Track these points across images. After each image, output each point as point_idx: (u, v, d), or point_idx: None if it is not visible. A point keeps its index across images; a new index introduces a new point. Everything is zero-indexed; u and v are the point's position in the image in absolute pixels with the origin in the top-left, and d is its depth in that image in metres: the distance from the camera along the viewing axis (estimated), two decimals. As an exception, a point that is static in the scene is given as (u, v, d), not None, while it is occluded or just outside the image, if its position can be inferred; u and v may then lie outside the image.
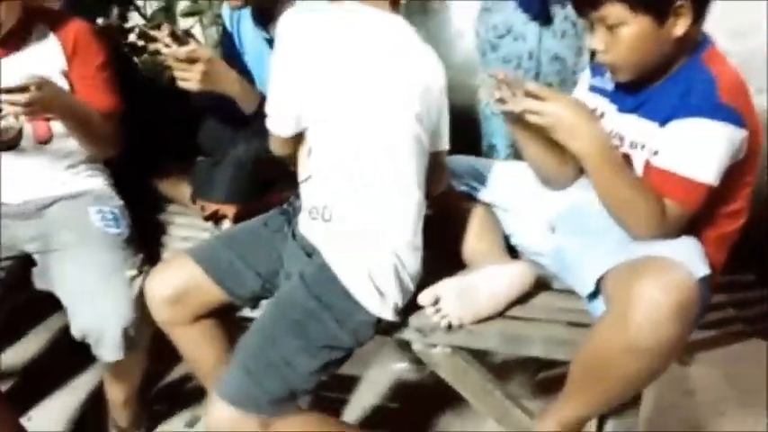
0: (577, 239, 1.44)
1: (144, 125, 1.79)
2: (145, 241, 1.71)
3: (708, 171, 1.26)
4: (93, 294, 1.52)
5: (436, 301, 1.41)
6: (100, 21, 1.98)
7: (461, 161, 1.64)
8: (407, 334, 1.45)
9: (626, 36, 1.28)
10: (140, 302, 1.54)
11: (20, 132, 1.64)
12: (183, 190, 1.85)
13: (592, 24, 1.33)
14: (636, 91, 1.38)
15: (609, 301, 1.28)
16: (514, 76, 1.52)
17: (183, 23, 2.23)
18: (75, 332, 1.53)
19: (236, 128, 1.68)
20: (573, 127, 1.28)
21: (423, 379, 2.02)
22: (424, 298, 1.41)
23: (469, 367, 1.47)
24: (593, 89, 1.49)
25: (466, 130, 1.55)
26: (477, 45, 2.07)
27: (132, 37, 2.04)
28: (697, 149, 1.27)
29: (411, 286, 1.41)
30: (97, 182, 1.75)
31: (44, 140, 1.66)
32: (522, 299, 1.47)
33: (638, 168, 1.36)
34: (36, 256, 1.67)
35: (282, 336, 1.34)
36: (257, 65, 1.72)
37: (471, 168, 1.63)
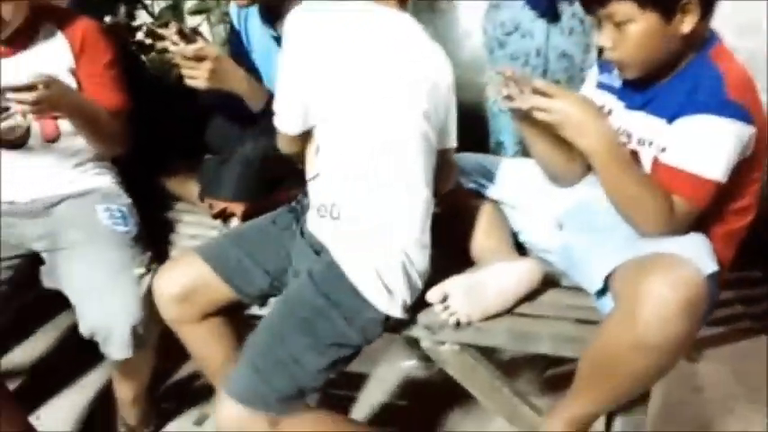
0: (585, 236, 1.44)
1: (151, 123, 1.79)
2: (152, 239, 1.71)
3: (716, 168, 1.26)
4: (101, 292, 1.52)
5: (444, 299, 1.41)
6: (107, 19, 1.98)
7: (469, 158, 1.64)
8: (416, 331, 1.46)
9: (634, 33, 1.28)
10: (149, 300, 1.54)
11: (27, 131, 1.64)
12: (190, 188, 1.85)
13: (599, 21, 1.33)
14: (643, 88, 1.38)
15: (617, 299, 1.28)
16: (522, 73, 1.52)
17: (191, 21, 2.23)
18: (84, 330, 1.53)
19: (244, 126, 1.68)
20: (581, 124, 1.28)
21: (431, 376, 2.02)
22: (433, 295, 1.41)
23: (478, 364, 1.47)
24: (601, 86, 1.49)
25: (473, 127, 1.55)
26: (485, 42, 2.07)
27: (140, 35, 2.04)
28: (705, 146, 1.26)
29: (419, 284, 1.41)
30: (105, 180, 1.75)
31: (52, 139, 1.66)
32: (531, 296, 1.47)
33: (646, 165, 1.36)
34: (44, 255, 1.67)
35: (291, 333, 1.34)
36: (265, 63, 1.72)
37: (479, 166, 1.63)
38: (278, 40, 1.64)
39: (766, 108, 1.34)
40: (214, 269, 1.48)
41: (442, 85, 1.36)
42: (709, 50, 1.32)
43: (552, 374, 1.95)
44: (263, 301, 1.53)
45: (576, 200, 1.52)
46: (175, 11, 2.18)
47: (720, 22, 1.33)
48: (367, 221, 1.38)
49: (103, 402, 1.90)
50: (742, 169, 1.30)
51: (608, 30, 1.31)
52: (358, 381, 2.01)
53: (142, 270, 1.58)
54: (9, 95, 1.46)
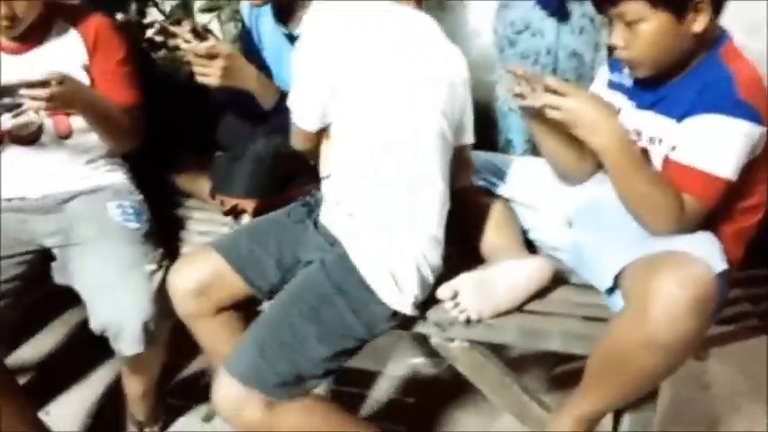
0: (595, 234, 1.45)
1: (162, 120, 1.79)
2: (163, 236, 1.71)
3: (726, 166, 1.26)
4: (112, 288, 1.53)
5: (455, 296, 1.41)
6: (119, 16, 1.99)
7: (479, 156, 1.64)
8: (426, 328, 1.46)
9: (645, 32, 1.28)
10: (160, 296, 1.54)
11: (40, 127, 1.65)
12: (201, 185, 1.86)
13: (611, 20, 1.33)
14: (654, 87, 1.38)
15: (627, 296, 1.28)
16: (533, 71, 1.53)
17: (201, 19, 2.23)
18: (95, 326, 1.54)
19: (255, 123, 1.69)
20: (593, 122, 1.28)
21: (438, 373, 2.03)
22: (443, 292, 1.42)
23: (487, 361, 1.47)
24: (612, 85, 1.49)
25: (483, 126, 1.55)
26: (495, 41, 2.08)
27: (150, 32, 2.05)
28: (715, 145, 1.27)
29: (431, 280, 1.42)
30: (117, 176, 1.76)
31: (64, 135, 1.67)
32: (540, 293, 1.48)
33: (656, 164, 1.36)
34: (55, 251, 1.68)
35: (298, 319, 1.34)
36: (276, 61, 1.72)
37: (489, 164, 1.64)
38: (290, 38, 1.65)
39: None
40: (228, 261, 1.48)
41: (458, 83, 1.37)
42: (719, 50, 1.32)
43: (560, 372, 1.96)
44: (273, 296, 1.53)
45: (586, 198, 1.53)
46: (185, 9, 2.19)
47: (729, 19, 1.33)
48: (382, 218, 1.38)
49: (112, 398, 1.91)
50: (751, 168, 1.30)
51: (619, 29, 1.31)
52: (367, 378, 2.01)
53: (153, 266, 1.58)
54: (22, 92, 1.46)
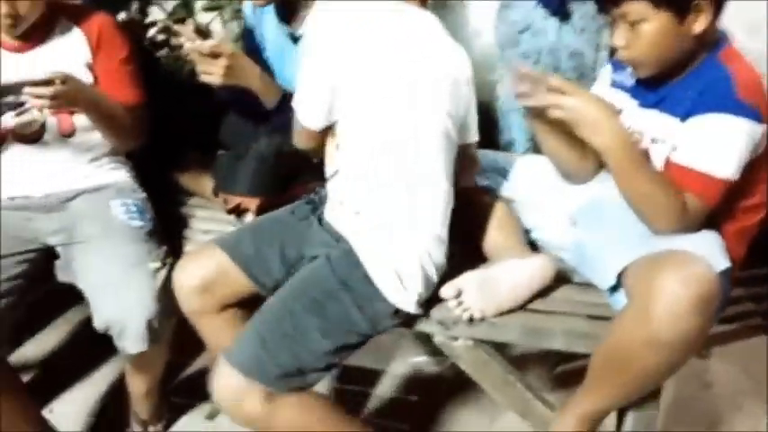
0: (598, 233, 1.45)
1: (165, 119, 1.80)
2: (167, 234, 1.71)
3: (727, 166, 1.27)
4: (116, 286, 1.53)
5: (458, 294, 1.41)
6: (122, 15, 1.99)
7: (482, 155, 1.64)
8: (429, 326, 1.46)
9: (647, 32, 1.29)
10: (164, 294, 1.55)
11: (43, 126, 1.65)
12: (204, 183, 1.86)
13: (613, 21, 1.34)
14: (656, 86, 1.39)
15: (630, 295, 1.29)
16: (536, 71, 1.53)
17: (203, 18, 2.24)
18: (99, 324, 1.54)
19: (257, 122, 1.69)
20: (596, 122, 1.29)
21: (441, 372, 2.03)
22: (447, 291, 1.42)
23: (491, 360, 1.48)
24: (615, 85, 1.50)
25: (484, 126, 1.56)
26: (497, 41, 2.09)
27: (152, 31, 2.05)
28: (716, 145, 1.27)
29: (435, 278, 1.42)
30: (120, 174, 1.77)
31: (67, 134, 1.67)
32: (543, 292, 1.48)
33: (658, 163, 1.36)
34: (59, 249, 1.68)
35: (301, 312, 1.35)
36: (278, 60, 1.73)
37: (492, 162, 1.64)
38: (293, 37, 1.66)
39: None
40: (232, 258, 1.49)
41: (462, 82, 1.38)
42: (719, 52, 1.33)
43: (563, 370, 1.96)
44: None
45: (588, 197, 1.53)
46: (187, 8, 2.19)
47: (729, 19, 1.34)
48: (387, 218, 1.39)
49: (116, 396, 1.91)
50: (753, 167, 1.31)
51: (622, 29, 1.32)
52: (370, 376, 2.02)
53: (157, 264, 1.59)
54: (26, 90, 1.46)
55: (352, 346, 1.39)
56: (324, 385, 1.87)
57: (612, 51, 1.44)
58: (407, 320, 1.44)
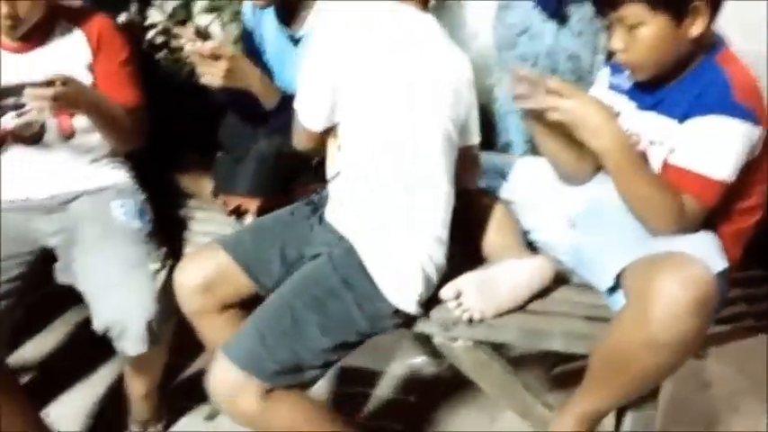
0: (596, 235, 1.46)
1: (164, 121, 1.80)
2: (166, 236, 1.71)
3: (724, 168, 1.28)
4: (116, 288, 1.53)
5: (458, 296, 1.42)
6: (122, 17, 1.99)
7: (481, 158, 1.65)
8: (429, 328, 1.47)
9: (645, 36, 1.30)
10: (163, 296, 1.55)
11: (43, 127, 1.65)
12: (203, 185, 1.86)
13: (611, 24, 1.35)
14: (653, 89, 1.40)
15: (628, 296, 1.30)
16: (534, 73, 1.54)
17: (203, 20, 2.23)
18: (98, 325, 1.54)
19: (256, 124, 1.69)
20: (595, 124, 1.30)
21: (440, 373, 2.04)
22: (446, 292, 1.42)
23: (491, 360, 1.48)
24: (612, 87, 1.51)
25: (481, 128, 1.56)
26: (495, 43, 2.09)
27: (151, 33, 2.05)
28: (713, 147, 1.29)
29: (435, 279, 1.43)
30: (120, 176, 1.77)
31: (67, 135, 1.68)
32: (542, 293, 1.49)
33: (656, 165, 1.37)
34: (58, 251, 1.68)
35: (301, 308, 1.35)
36: (278, 62, 1.73)
37: (491, 164, 1.65)
38: (293, 39, 1.66)
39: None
40: (233, 258, 1.49)
41: (463, 85, 1.39)
42: (716, 54, 1.34)
43: (561, 371, 1.97)
44: None
45: (587, 198, 1.54)
46: (186, 10, 2.19)
47: (725, 22, 1.35)
48: (387, 218, 1.39)
49: (114, 398, 1.90)
50: (750, 169, 1.32)
51: (620, 32, 1.33)
52: (368, 377, 2.02)
53: (157, 266, 1.59)
54: (27, 92, 1.46)
55: (351, 344, 1.40)
56: (323, 386, 1.87)
57: (610, 54, 1.45)
58: (407, 321, 1.45)
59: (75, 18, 1.68)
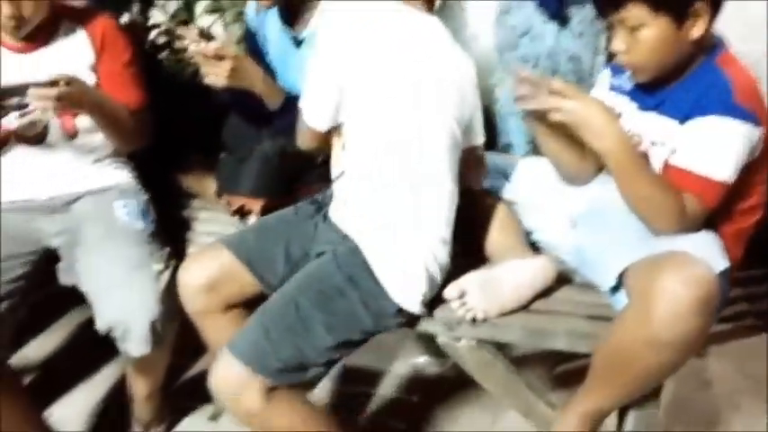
0: (598, 235, 1.46)
1: (167, 121, 1.80)
2: (169, 237, 1.72)
3: (725, 169, 1.29)
4: (119, 288, 1.53)
5: (462, 295, 1.42)
6: (125, 18, 2.00)
7: (484, 157, 1.66)
8: (433, 327, 1.47)
9: (646, 37, 1.30)
10: (167, 296, 1.55)
11: (46, 127, 1.65)
12: (207, 185, 1.87)
13: (612, 26, 1.36)
14: (654, 90, 1.40)
15: (631, 296, 1.30)
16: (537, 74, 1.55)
17: (205, 21, 2.24)
18: (102, 326, 1.54)
19: (259, 124, 1.70)
20: (598, 125, 1.30)
21: (443, 372, 2.04)
22: (450, 292, 1.43)
23: (494, 360, 1.49)
24: (613, 88, 1.52)
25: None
26: (496, 45, 2.10)
27: (153, 34, 2.06)
28: (714, 147, 1.29)
29: (438, 279, 1.43)
30: (123, 176, 1.77)
31: (70, 135, 1.68)
32: (545, 293, 1.50)
33: (657, 165, 1.38)
34: (61, 251, 1.68)
35: (306, 305, 1.35)
36: (281, 63, 1.74)
37: (494, 165, 1.65)
38: (296, 41, 1.67)
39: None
40: (237, 257, 1.49)
41: (467, 85, 1.40)
42: (716, 57, 1.35)
43: (563, 370, 1.98)
44: None
45: (589, 198, 1.55)
46: (189, 10, 2.19)
47: (724, 23, 1.36)
48: (391, 218, 1.40)
49: (116, 398, 1.90)
50: (750, 169, 1.33)
51: (621, 34, 1.33)
52: (371, 377, 2.02)
53: (160, 266, 1.59)
54: (31, 92, 1.46)
55: (355, 343, 1.40)
56: (325, 385, 1.88)
57: (610, 56, 1.46)
58: (411, 320, 1.45)
59: (79, 18, 1.68)
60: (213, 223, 1.83)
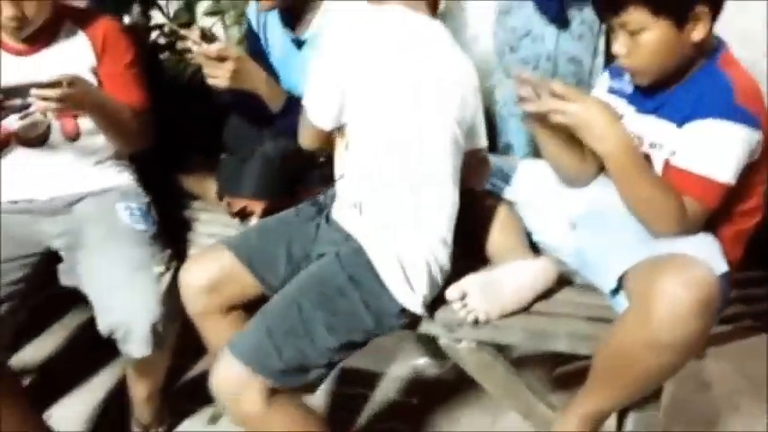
0: (599, 237, 1.47)
1: (169, 122, 1.80)
2: (171, 238, 1.71)
3: (725, 170, 1.30)
4: (121, 290, 1.53)
5: (462, 297, 1.42)
6: (126, 19, 1.99)
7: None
8: (433, 329, 1.47)
9: (647, 41, 1.31)
10: (168, 298, 1.55)
11: (48, 128, 1.65)
12: (208, 186, 1.86)
13: (613, 29, 1.36)
14: (654, 93, 1.41)
15: (631, 298, 1.31)
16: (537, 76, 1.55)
17: (205, 22, 2.24)
18: (103, 328, 1.53)
19: (262, 126, 1.70)
20: (598, 127, 1.30)
21: (442, 374, 2.04)
22: (451, 293, 1.43)
23: (495, 361, 1.49)
24: (612, 91, 1.52)
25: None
26: (496, 47, 2.11)
27: (154, 35, 2.05)
28: (715, 149, 1.30)
29: (440, 280, 1.44)
30: (124, 178, 1.77)
31: (72, 137, 1.67)
32: (546, 294, 1.50)
33: (657, 168, 1.38)
34: (63, 253, 1.68)
35: (308, 306, 1.35)
36: (283, 65, 1.74)
37: (494, 166, 1.65)
38: (297, 43, 1.67)
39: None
40: (239, 258, 1.49)
41: (468, 87, 1.40)
42: (717, 58, 1.35)
43: (563, 372, 1.98)
44: None
45: (589, 200, 1.55)
46: (189, 12, 2.19)
47: (721, 30, 1.36)
48: (392, 218, 1.40)
49: (116, 400, 1.90)
50: (750, 172, 1.33)
51: (622, 38, 1.34)
52: (370, 378, 2.03)
53: (162, 268, 1.59)
54: (33, 92, 1.46)
55: (356, 344, 1.40)
56: (324, 387, 1.87)
57: (610, 58, 1.46)
58: (412, 322, 1.45)
59: (81, 20, 1.68)
60: (214, 225, 1.83)
